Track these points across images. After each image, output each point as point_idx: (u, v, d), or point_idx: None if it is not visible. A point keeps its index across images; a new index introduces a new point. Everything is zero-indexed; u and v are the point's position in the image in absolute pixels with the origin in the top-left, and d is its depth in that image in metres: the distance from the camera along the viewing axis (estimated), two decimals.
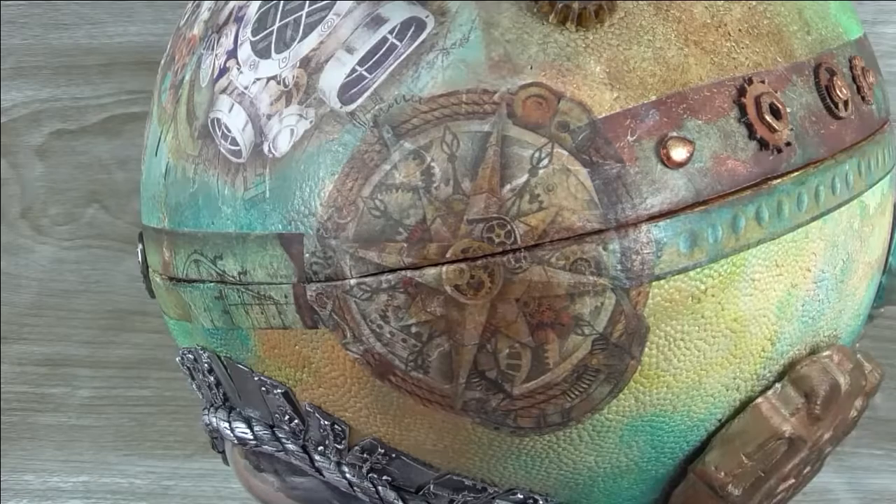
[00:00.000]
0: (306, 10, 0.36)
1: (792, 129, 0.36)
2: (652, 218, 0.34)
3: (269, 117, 0.36)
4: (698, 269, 0.35)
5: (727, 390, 0.37)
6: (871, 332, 0.45)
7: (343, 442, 0.38)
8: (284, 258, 0.36)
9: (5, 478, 0.66)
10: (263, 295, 0.37)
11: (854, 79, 0.39)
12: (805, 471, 0.40)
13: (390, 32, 0.35)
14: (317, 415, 0.38)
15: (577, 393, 0.35)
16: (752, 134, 0.35)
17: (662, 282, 0.34)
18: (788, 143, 0.36)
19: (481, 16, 0.35)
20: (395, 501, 0.39)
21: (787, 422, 0.37)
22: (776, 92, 0.36)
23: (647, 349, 0.35)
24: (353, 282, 0.35)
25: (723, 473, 0.37)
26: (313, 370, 0.37)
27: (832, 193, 0.37)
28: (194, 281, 0.39)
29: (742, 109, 0.35)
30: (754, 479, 0.38)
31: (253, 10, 0.38)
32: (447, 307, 0.34)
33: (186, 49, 0.41)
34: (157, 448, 0.69)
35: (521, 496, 0.38)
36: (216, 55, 0.38)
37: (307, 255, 0.35)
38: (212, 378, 0.41)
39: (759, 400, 0.38)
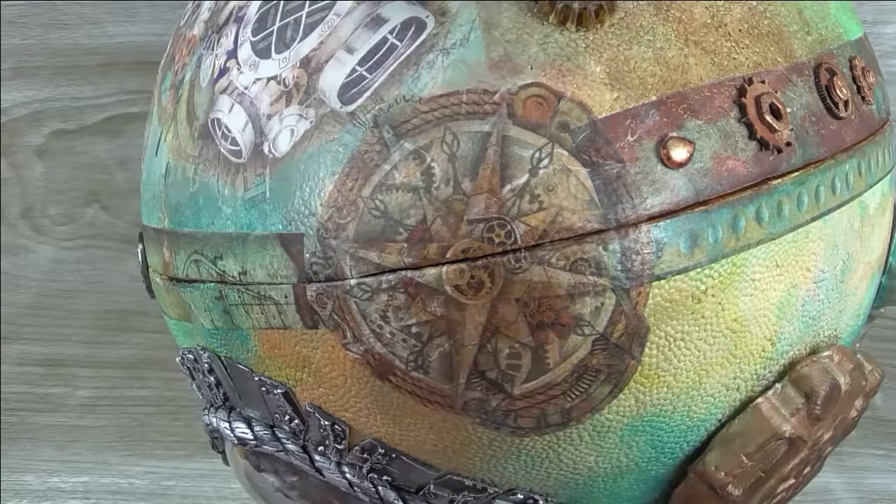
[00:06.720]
0: (306, 10, 0.36)
1: (792, 129, 0.36)
2: (652, 218, 0.34)
3: (269, 117, 0.36)
4: (698, 270, 0.35)
5: (727, 390, 0.37)
6: (872, 332, 0.45)
7: (343, 442, 0.38)
8: (284, 258, 0.36)
9: (5, 478, 0.66)
10: (263, 295, 0.37)
11: (854, 79, 0.39)
12: (805, 471, 0.40)
13: (390, 32, 0.35)
14: (317, 415, 0.38)
15: (577, 393, 0.35)
16: (752, 134, 0.35)
17: (663, 282, 0.34)
18: (788, 143, 0.36)
19: (481, 16, 0.35)
20: (396, 501, 0.39)
21: (788, 422, 0.37)
22: (776, 92, 0.36)
23: (647, 349, 0.35)
24: (353, 282, 0.35)
25: (723, 474, 0.37)
26: (313, 370, 0.37)
27: (832, 193, 0.37)
28: (194, 281, 0.39)
29: (742, 109, 0.35)
30: (754, 480, 0.38)
31: (253, 11, 0.38)
32: (447, 307, 0.34)
33: (186, 49, 0.41)
34: (157, 448, 0.69)
35: (521, 496, 0.38)
36: (216, 55, 0.38)
37: (307, 255, 0.35)
38: (212, 378, 0.41)
39: (760, 400, 0.38)
